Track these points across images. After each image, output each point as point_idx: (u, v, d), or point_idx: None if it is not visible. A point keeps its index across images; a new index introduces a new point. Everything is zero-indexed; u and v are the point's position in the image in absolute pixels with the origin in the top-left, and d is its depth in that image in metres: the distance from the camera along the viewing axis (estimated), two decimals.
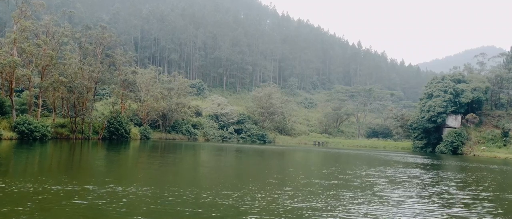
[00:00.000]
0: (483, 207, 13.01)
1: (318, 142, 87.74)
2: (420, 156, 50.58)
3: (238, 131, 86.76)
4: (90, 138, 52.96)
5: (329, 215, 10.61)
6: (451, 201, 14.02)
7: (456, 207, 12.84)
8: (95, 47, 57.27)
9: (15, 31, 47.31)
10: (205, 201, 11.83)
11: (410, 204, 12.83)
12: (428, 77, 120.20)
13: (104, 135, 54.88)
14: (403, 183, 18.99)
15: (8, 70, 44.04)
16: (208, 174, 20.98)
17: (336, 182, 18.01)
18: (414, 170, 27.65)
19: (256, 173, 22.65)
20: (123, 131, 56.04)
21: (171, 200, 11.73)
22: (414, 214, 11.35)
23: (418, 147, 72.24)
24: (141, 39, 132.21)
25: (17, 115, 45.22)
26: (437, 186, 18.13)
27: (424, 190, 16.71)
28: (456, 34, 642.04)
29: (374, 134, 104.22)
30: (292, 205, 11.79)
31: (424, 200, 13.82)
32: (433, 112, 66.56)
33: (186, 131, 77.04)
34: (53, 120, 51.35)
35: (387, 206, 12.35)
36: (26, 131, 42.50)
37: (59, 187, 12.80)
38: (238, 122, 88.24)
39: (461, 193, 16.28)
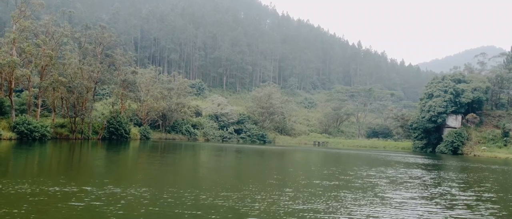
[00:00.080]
0: (487, 208, 12.84)
1: (318, 142, 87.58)
2: (420, 156, 50.42)
3: (238, 131, 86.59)
4: (89, 138, 52.80)
5: (330, 218, 10.45)
6: (454, 202, 13.85)
7: (459, 208, 12.67)
8: (94, 47, 57.09)
9: (15, 31, 47.14)
10: (204, 202, 11.66)
11: (413, 206, 12.66)
12: (428, 77, 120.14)
13: (103, 135, 54.72)
14: (405, 183, 18.82)
15: (8, 70, 43.90)
16: (207, 175, 20.81)
17: (337, 183, 17.85)
18: (415, 170, 27.49)
19: (256, 174, 22.49)
20: (122, 131, 55.89)
21: (170, 201, 11.56)
22: (417, 216, 11.19)
23: (418, 147, 72.08)
24: (141, 39, 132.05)
25: (16, 115, 45.06)
26: (439, 187, 17.97)
27: (426, 191, 16.55)
28: (456, 34, 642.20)
29: (374, 134, 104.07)
30: (293, 207, 11.62)
31: (426, 202, 13.65)
32: (434, 111, 66.42)
33: (186, 131, 76.88)
34: (53, 120, 51.20)
35: (390, 207, 12.19)
36: (26, 131, 42.33)
37: (57, 188, 12.63)
38: (238, 122, 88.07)
39: (464, 194, 16.11)
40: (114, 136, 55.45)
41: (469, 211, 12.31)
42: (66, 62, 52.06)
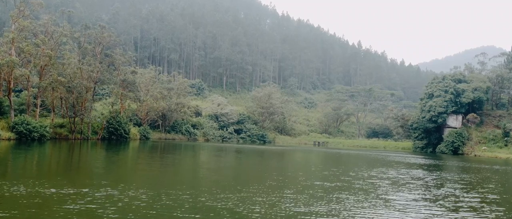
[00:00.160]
0: (492, 211, 12.60)
1: (318, 142, 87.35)
2: (421, 156, 50.21)
3: (238, 131, 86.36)
4: (89, 138, 52.57)
5: None
6: (458, 204, 13.61)
7: (464, 210, 12.43)
8: (94, 47, 56.84)
9: (13, 30, 46.89)
10: (203, 205, 11.42)
11: (416, 208, 12.42)
12: (428, 77, 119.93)
13: (103, 135, 54.50)
14: (407, 185, 18.59)
15: (6, 70, 43.67)
16: (207, 176, 20.58)
17: (338, 184, 17.62)
18: (417, 171, 27.27)
19: (256, 175, 22.26)
20: (122, 131, 55.66)
21: (168, 204, 11.32)
22: None
23: (418, 147, 71.87)
24: (140, 39, 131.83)
25: (15, 115, 44.82)
26: (442, 188, 17.73)
27: (429, 192, 16.31)
28: (456, 34, 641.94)
29: (374, 134, 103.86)
30: (294, 209, 11.39)
31: (430, 204, 13.41)
32: (434, 111, 66.22)
33: (186, 131, 76.65)
34: (52, 120, 50.96)
35: (393, 210, 11.95)
36: (25, 131, 42.09)
37: (53, 190, 12.39)
38: (238, 122, 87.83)
39: (468, 195, 15.88)
40: (113, 136, 55.22)
41: (474, 213, 12.07)
42: (66, 62, 51.81)
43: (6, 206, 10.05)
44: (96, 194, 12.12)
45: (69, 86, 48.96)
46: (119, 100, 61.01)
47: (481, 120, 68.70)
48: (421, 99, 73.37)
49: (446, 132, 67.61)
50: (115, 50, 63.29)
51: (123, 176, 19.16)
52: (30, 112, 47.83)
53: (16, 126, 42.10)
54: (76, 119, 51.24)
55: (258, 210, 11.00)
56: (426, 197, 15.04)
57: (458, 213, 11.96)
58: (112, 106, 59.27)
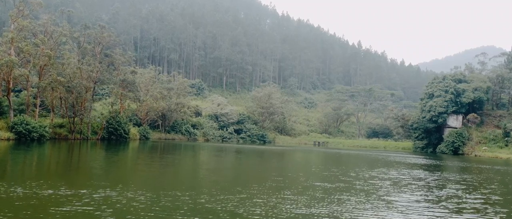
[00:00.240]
0: (496, 212, 12.42)
1: (318, 142, 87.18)
2: (421, 157, 50.04)
3: (238, 131, 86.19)
4: (88, 138, 52.40)
5: None
6: (461, 205, 13.43)
7: (468, 212, 12.25)
8: (94, 47, 56.67)
9: (13, 30, 46.73)
10: (202, 206, 11.26)
11: (419, 210, 12.25)
12: (428, 77, 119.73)
13: (103, 135, 54.34)
14: (409, 185, 18.43)
15: (6, 70, 43.52)
16: (206, 177, 20.42)
17: (339, 185, 17.45)
18: (418, 171, 27.10)
19: (256, 175, 22.10)
20: (122, 131, 55.50)
21: (167, 205, 11.16)
22: None
23: (418, 147, 71.70)
24: (140, 39, 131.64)
25: (14, 115, 44.65)
26: (444, 189, 17.57)
27: (431, 193, 16.14)
28: (456, 34, 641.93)
29: (374, 134, 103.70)
30: (295, 211, 11.22)
31: (432, 205, 13.23)
32: (434, 111, 66.06)
33: (186, 131, 76.48)
34: (51, 120, 50.78)
35: (395, 212, 11.78)
36: (24, 131, 41.93)
37: (51, 191, 12.22)
38: (238, 122, 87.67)
39: (470, 196, 15.71)
40: (113, 136, 55.06)
41: (478, 215, 11.89)
42: (65, 62, 51.66)
43: (1, 208, 9.88)
44: (93, 196, 11.96)
45: (68, 86, 48.79)
46: (119, 100, 60.86)
47: (482, 120, 68.52)
48: (421, 99, 73.21)
49: (447, 132, 67.44)
50: (115, 50, 63.13)
51: (122, 177, 19.00)
52: (30, 112, 47.67)
53: (16, 126, 41.94)
54: (76, 119, 51.07)
55: (258, 212, 10.83)
56: (428, 198, 14.87)
57: (461, 215, 11.79)
58: (111, 107, 59.11)
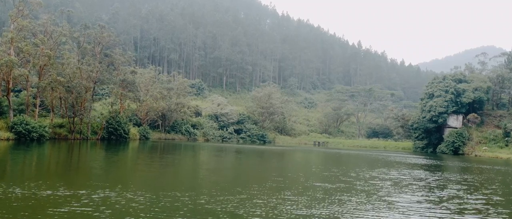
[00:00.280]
0: (498, 213, 12.33)
1: (318, 142, 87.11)
2: (421, 157, 49.97)
3: (238, 131, 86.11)
4: (88, 138, 52.33)
5: None
6: (463, 206, 13.35)
7: (470, 213, 12.16)
8: (93, 47, 56.59)
9: (12, 30, 46.66)
10: (202, 207, 11.17)
11: (420, 211, 12.16)
12: (428, 77, 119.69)
13: (102, 135, 54.26)
14: (409, 186, 18.35)
15: (5, 70, 43.45)
16: (206, 177, 20.34)
17: (339, 185, 17.37)
18: (418, 171, 27.02)
19: (256, 175, 22.03)
20: (122, 131, 55.43)
21: (167, 206, 11.07)
22: None
23: (419, 147, 71.64)
24: (140, 39, 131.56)
25: (14, 115, 44.57)
26: (445, 190, 17.48)
27: (432, 194, 16.06)
28: (456, 34, 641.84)
29: (374, 134, 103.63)
30: (295, 212, 11.14)
31: (434, 206, 13.15)
32: (434, 111, 65.99)
33: (186, 131, 76.41)
34: (51, 120, 50.71)
35: (396, 212, 11.69)
36: (24, 131, 41.85)
37: (49, 192, 12.14)
38: (238, 122, 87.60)
39: (472, 197, 15.63)
40: (113, 136, 54.98)
41: (480, 216, 11.81)
42: (65, 62, 51.58)
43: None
44: (92, 196, 11.88)
45: (68, 86, 48.71)
46: (119, 100, 60.79)
47: (482, 120, 68.46)
48: (422, 99, 73.15)
49: (447, 132, 67.38)
50: (115, 50, 63.04)
51: (121, 177, 18.92)
52: (29, 112, 47.59)
53: (15, 126, 41.86)
54: (76, 119, 51.00)
55: (258, 213, 10.75)
56: (429, 198, 14.79)
57: (463, 216, 11.71)
58: (111, 107, 59.04)
